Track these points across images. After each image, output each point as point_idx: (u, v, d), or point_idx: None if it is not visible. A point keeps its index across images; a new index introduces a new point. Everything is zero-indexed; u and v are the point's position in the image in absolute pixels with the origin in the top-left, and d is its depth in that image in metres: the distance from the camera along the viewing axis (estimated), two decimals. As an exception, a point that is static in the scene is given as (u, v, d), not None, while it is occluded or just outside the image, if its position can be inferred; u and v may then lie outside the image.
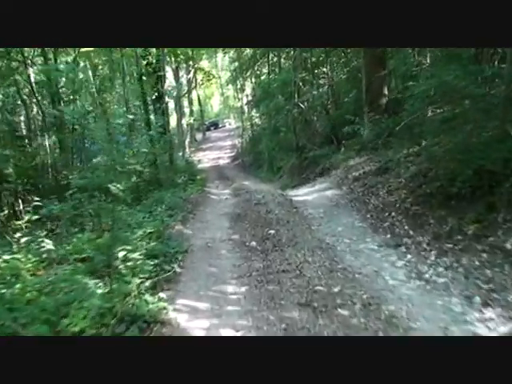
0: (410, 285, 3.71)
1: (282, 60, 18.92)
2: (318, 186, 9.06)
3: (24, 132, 11.97)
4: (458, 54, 5.36)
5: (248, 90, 27.86)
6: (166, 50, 14.44)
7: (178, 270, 4.40)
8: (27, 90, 11.55)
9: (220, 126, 41.26)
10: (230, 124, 40.27)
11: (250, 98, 26.25)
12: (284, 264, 4.43)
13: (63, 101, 10.63)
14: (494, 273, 3.52)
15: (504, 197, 4.22)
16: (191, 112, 33.63)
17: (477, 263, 3.77)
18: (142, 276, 3.74)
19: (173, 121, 24.04)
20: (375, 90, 9.28)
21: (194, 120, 34.47)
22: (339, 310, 3.26)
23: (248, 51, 21.94)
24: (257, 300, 3.63)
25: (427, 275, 3.84)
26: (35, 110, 12.37)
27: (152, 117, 12.79)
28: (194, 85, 28.75)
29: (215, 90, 41.54)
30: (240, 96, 28.81)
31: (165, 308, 3.38)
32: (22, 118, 12.60)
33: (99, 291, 3.24)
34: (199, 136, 37.08)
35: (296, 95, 14.40)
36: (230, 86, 32.49)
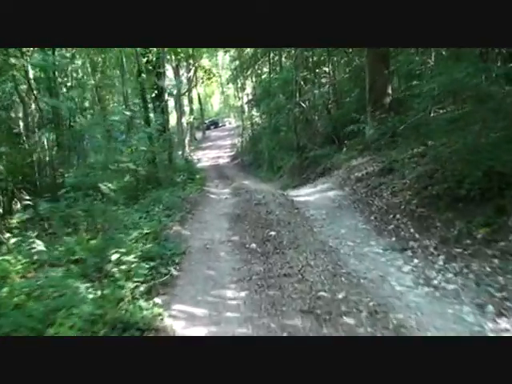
0: (418, 291, 3.53)
1: (283, 59, 18.78)
2: (320, 187, 8.88)
3: (22, 129, 11.80)
4: (467, 52, 5.18)
5: (248, 89, 27.71)
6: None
7: (175, 273, 4.22)
8: (25, 86, 11.38)
9: (220, 124, 41.07)
10: (230, 123, 40.13)
11: (250, 96, 26.09)
12: (285, 268, 4.25)
13: (62, 97, 10.45)
14: (507, 280, 3.34)
15: (515, 200, 4.06)
16: (191, 111, 33.44)
17: (488, 269, 3.59)
18: (136, 280, 3.56)
19: (173, 119, 23.89)
20: (379, 89, 9.09)
21: (194, 119, 34.31)
22: (344, 318, 3.08)
23: (249, 50, 21.79)
24: (257, 306, 3.45)
25: (436, 281, 3.66)
26: (33, 106, 12.21)
27: (151, 115, 12.61)
28: (194, 83, 28.56)
29: (215, 88, 41.40)
30: (240, 95, 28.70)
31: (160, 314, 3.20)
32: (21, 115, 12.44)
33: (90, 296, 3.06)
34: (199, 135, 36.93)
35: (297, 94, 14.26)
36: (231, 85, 32.35)
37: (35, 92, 10.65)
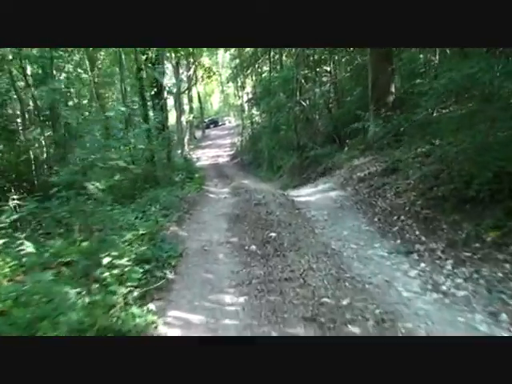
0: (427, 298, 3.35)
1: (284, 57, 18.60)
2: (321, 187, 8.69)
3: (20, 126, 11.61)
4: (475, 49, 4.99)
5: (248, 87, 27.53)
6: (165, 44, 14.07)
7: (171, 276, 4.03)
8: (22, 83, 11.20)
9: (220, 123, 40.86)
10: (229, 122, 39.96)
11: (250, 95, 25.91)
12: (286, 271, 4.07)
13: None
14: (521, 286, 3.17)
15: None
16: (191, 109, 33.30)
17: (500, 275, 3.42)
18: (130, 284, 3.37)
19: (172, 118, 23.72)
20: (382, 87, 8.90)
21: (194, 117, 34.16)
22: (349, 326, 2.91)
23: (249, 49, 21.60)
24: (257, 313, 3.27)
25: (444, 287, 3.48)
26: (31, 103, 12.02)
27: (151, 113, 12.42)
28: (194, 81, 28.37)
29: (215, 87, 41.25)
30: (240, 94, 28.52)
31: (153, 322, 3.02)
32: (18, 112, 12.26)
33: (80, 302, 2.87)
34: (198, 134, 36.79)
35: (298, 93, 14.07)
36: (231, 84, 32.17)
37: (33, 89, 10.49)
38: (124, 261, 3.54)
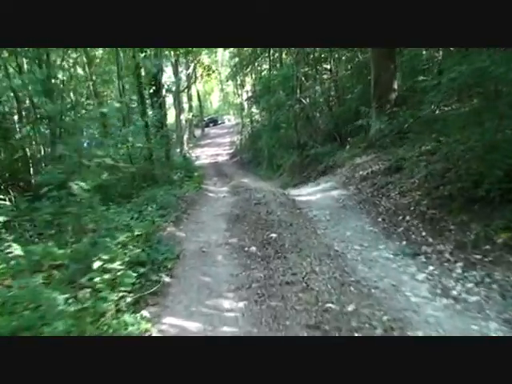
0: (437, 303, 3.17)
1: (284, 55, 18.39)
2: (323, 186, 8.50)
3: (16, 125, 11.42)
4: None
5: (248, 86, 27.32)
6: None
7: (167, 280, 3.85)
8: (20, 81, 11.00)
9: (219, 122, 40.64)
10: (229, 120, 39.74)
11: (250, 93, 25.69)
12: (288, 274, 3.89)
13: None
14: (537, 292, 3.00)
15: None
16: (190, 108, 33.13)
17: (513, 279, 3.25)
18: (123, 289, 3.18)
19: (171, 116, 23.54)
20: (384, 84, 8.72)
21: (193, 116, 34.00)
22: (356, 335, 2.73)
23: (248, 47, 21.39)
24: (257, 319, 3.09)
25: (455, 292, 3.31)
26: (27, 102, 11.84)
27: (149, 111, 12.24)
28: (193, 80, 28.18)
29: (215, 85, 41.05)
30: (240, 92, 28.33)
31: (147, 330, 2.84)
32: (15, 110, 12.07)
33: (69, 309, 2.69)
34: (198, 132, 36.63)
35: (298, 90, 13.86)
36: (230, 82, 31.98)
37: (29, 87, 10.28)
38: (116, 264, 3.35)
